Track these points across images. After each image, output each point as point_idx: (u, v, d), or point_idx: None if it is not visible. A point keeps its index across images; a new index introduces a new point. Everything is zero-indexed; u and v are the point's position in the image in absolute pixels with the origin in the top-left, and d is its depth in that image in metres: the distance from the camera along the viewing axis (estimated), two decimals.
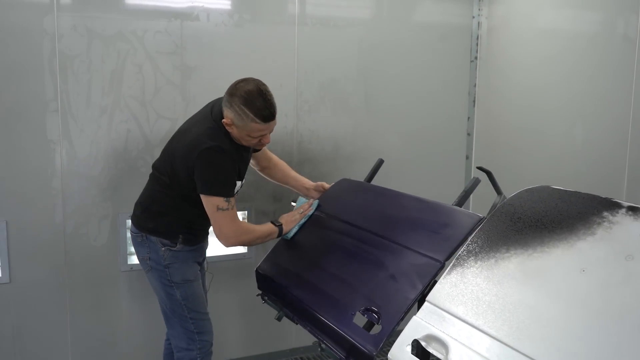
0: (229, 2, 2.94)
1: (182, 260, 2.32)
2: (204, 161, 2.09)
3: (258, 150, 2.49)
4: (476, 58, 3.55)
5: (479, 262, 1.61)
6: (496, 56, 3.45)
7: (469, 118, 3.60)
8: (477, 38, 3.53)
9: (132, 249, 2.86)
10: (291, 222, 2.35)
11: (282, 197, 3.14)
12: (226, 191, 2.13)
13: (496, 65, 3.44)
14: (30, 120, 2.64)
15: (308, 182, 2.59)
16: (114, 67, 2.74)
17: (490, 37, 3.49)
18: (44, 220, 2.72)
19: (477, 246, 1.65)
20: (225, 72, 2.94)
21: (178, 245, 2.30)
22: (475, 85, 3.57)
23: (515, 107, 3.29)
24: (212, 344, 2.42)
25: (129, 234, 2.86)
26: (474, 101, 3.58)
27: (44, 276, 2.75)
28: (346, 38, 3.22)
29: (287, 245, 2.36)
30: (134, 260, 2.89)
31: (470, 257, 1.63)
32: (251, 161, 2.54)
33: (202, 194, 2.14)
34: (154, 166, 2.37)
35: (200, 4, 2.86)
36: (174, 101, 2.88)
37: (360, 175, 2.63)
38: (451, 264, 1.66)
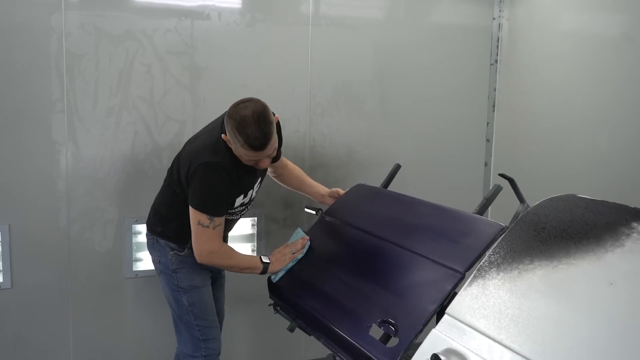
0: (241, 2, 2.96)
1: (190, 266, 2.35)
2: (199, 175, 2.14)
3: (276, 160, 2.51)
4: (496, 61, 3.55)
5: (501, 274, 1.60)
6: (517, 59, 3.44)
7: (488, 123, 3.60)
8: (498, 40, 3.53)
9: (138, 255, 2.91)
10: (281, 262, 2.28)
11: (294, 204, 3.15)
12: (213, 210, 2.16)
13: (517, 68, 3.43)
14: (35, 121, 2.66)
15: (323, 189, 2.61)
16: (122, 67, 2.76)
17: (511, 40, 3.49)
18: (48, 224, 2.74)
19: (500, 257, 1.65)
20: (235, 73, 2.97)
21: (186, 251, 2.34)
22: (495, 90, 3.57)
23: (536, 113, 3.28)
24: (219, 353, 2.43)
25: (134, 239, 2.89)
26: (494, 106, 3.58)
27: (47, 282, 2.77)
28: (361, 39, 3.23)
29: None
30: (140, 266, 2.91)
31: (492, 268, 1.63)
32: (269, 169, 2.55)
33: (189, 204, 2.19)
34: (168, 170, 2.43)
35: (212, 3, 2.88)
36: (183, 102, 2.89)
37: (374, 181, 2.63)
38: (472, 275, 1.66)
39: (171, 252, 2.35)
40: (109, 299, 2.89)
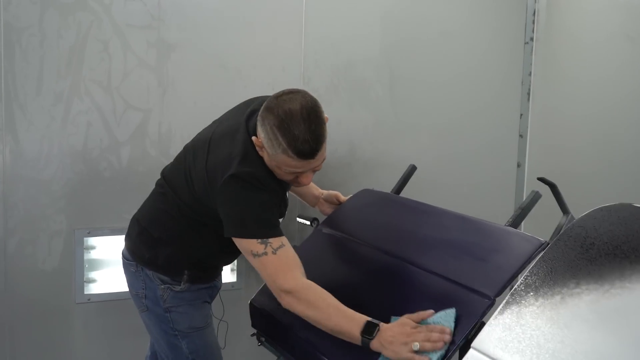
0: None
1: (188, 302, 2.29)
2: (229, 191, 1.98)
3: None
4: (532, 39, 3.55)
5: (540, 300, 1.60)
6: (557, 37, 3.45)
7: (521, 115, 3.60)
8: (534, 14, 3.54)
9: (92, 275, 2.89)
10: (405, 339, 1.73)
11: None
12: (260, 229, 1.97)
13: (557, 48, 3.44)
14: None
15: (317, 190, 2.60)
16: (73, 44, 2.75)
17: (550, 14, 3.50)
18: None
19: (538, 279, 1.65)
20: (212, 51, 2.96)
21: (182, 285, 2.26)
22: (530, 74, 3.57)
23: (580, 102, 3.29)
24: None
25: (87, 256, 2.87)
26: (529, 94, 3.59)
27: None
28: (367, 10, 3.23)
29: None
30: (93, 289, 2.90)
31: (528, 292, 1.63)
32: None
33: (227, 235, 2.03)
34: (164, 175, 2.33)
35: None
36: (148, 87, 2.88)
37: (382, 185, 2.63)
38: (504, 301, 1.66)
39: (162, 287, 2.25)
40: (55, 329, 2.87)
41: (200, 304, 2.33)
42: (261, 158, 2.02)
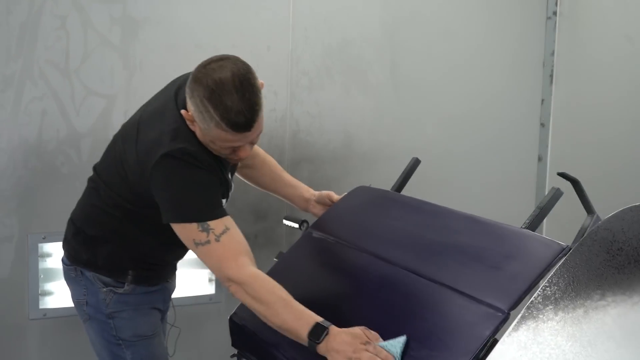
0: None
1: (134, 307, 2.30)
2: (162, 172, 2.03)
3: None
4: (555, 14, 3.55)
5: (560, 314, 1.60)
6: (585, 11, 3.45)
7: (543, 101, 3.60)
8: None
9: (47, 287, 2.87)
10: (350, 355, 1.79)
11: (268, 214, 3.15)
12: (199, 213, 2.02)
13: (584, 24, 3.44)
14: None
15: (308, 191, 2.59)
16: (25, 20, 2.74)
17: None
18: None
19: (558, 290, 1.64)
20: (186, 28, 2.96)
21: (126, 286, 2.28)
22: (553, 54, 3.57)
23: (610, 87, 3.29)
24: None
25: (42, 264, 2.86)
26: (552, 77, 3.58)
27: None
28: None
29: (278, 282, 2.34)
30: (50, 302, 2.89)
31: (547, 305, 1.63)
32: None
33: (165, 221, 2.07)
34: (95, 169, 2.36)
35: None
36: (112, 70, 2.88)
37: (382, 182, 2.62)
38: (519, 315, 1.65)
39: (104, 290, 2.27)
40: (5, 349, 2.86)
41: (148, 310, 2.34)
42: (194, 133, 2.06)
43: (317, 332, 1.84)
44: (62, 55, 2.81)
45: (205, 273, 3.14)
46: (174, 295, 2.66)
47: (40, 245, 2.84)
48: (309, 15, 3.14)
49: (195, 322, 3.08)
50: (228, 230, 2.03)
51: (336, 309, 2.12)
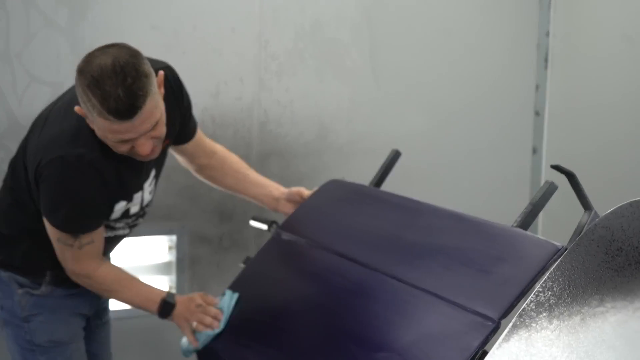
0: None
1: (51, 311, 2.34)
2: (52, 176, 2.13)
3: (186, 142, 2.47)
4: None
5: (555, 322, 1.60)
6: None
7: (537, 87, 3.62)
8: None
9: None
10: (187, 316, 2.31)
11: (234, 214, 3.14)
12: (72, 226, 2.18)
13: (583, 2, 3.45)
14: None
15: (278, 189, 2.60)
16: None
17: None
18: None
19: (553, 295, 1.65)
20: (141, 7, 2.95)
21: (43, 287, 2.33)
22: (547, 35, 3.59)
23: (611, 71, 3.30)
24: None
25: None
26: (546, 60, 3.61)
27: None
28: None
29: (247, 295, 2.34)
30: None
31: (541, 312, 1.63)
32: (180, 158, 2.55)
33: (43, 215, 2.22)
34: (10, 165, 2.40)
35: None
36: (58, 55, 2.88)
37: (361, 178, 2.63)
38: (511, 323, 1.66)
39: (20, 291, 2.33)
40: None
41: (68, 315, 2.38)
42: (96, 136, 2.11)
43: (167, 310, 2.29)
44: (2, 38, 2.80)
45: (165, 280, 3.16)
46: (120, 305, 2.67)
47: None
48: None
49: (143, 338, 3.08)
50: (93, 242, 2.23)
51: (308, 317, 2.12)
